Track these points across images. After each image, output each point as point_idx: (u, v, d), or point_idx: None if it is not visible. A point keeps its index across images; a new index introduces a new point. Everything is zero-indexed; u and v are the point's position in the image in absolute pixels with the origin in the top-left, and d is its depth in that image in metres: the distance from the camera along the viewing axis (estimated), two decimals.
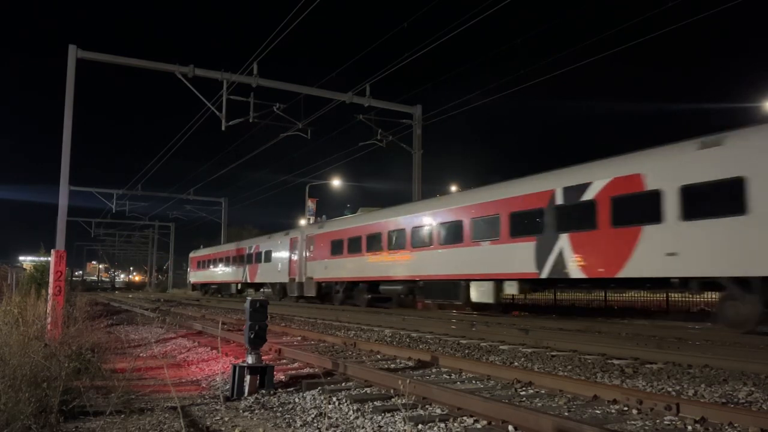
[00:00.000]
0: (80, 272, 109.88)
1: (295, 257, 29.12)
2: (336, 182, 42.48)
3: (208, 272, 46.29)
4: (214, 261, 44.35)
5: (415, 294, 21.22)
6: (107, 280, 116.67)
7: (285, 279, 30.10)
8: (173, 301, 33.62)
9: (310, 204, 41.76)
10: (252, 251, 35.87)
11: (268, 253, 32.95)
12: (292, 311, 20.98)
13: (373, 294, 23.44)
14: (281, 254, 31.00)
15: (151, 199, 52.00)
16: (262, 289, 37.27)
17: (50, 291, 12.21)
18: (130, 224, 71.99)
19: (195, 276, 50.71)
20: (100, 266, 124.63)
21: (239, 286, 39.05)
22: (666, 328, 12.23)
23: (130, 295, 53.33)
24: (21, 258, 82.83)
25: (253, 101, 22.42)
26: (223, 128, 21.74)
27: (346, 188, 45.33)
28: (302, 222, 43.39)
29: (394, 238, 21.56)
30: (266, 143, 32.79)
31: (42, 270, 16.87)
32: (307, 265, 27.77)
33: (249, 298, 7.00)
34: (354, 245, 24.00)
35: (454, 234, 18.63)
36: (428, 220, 19.88)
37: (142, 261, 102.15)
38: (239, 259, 38.14)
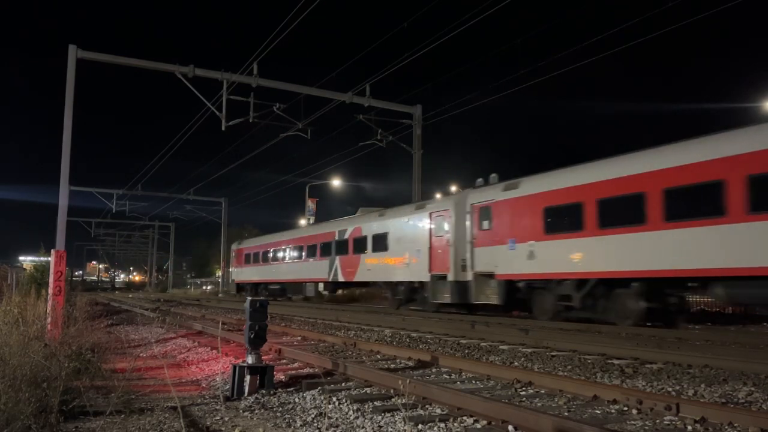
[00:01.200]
0: (80, 272, 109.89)
1: (442, 242, 18.98)
2: (336, 182, 42.54)
3: (265, 268, 35.02)
4: (277, 252, 33.26)
5: None
6: (107, 280, 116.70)
7: (420, 276, 19.97)
8: (173, 301, 33.63)
9: (310, 204, 41.79)
10: (347, 236, 25.27)
11: (381, 238, 22.58)
12: (292, 311, 20.98)
13: (656, 302, 13.06)
14: (410, 238, 20.63)
15: (151, 199, 52.14)
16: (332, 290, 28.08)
17: (50, 291, 12.20)
18: (130, 224, 72.12)
19: (242, 273, 39.35)
20: (100, 266, 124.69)
21: (322, 286, 28.12)
22: (666, 328, 12.22)
23: (130, 295, 53.36)
24: (21, 258, 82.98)
25: (253, 101, 22.44)
26: (223, 128, 21.76)
27: (346, 188, 45.36)
28: (302, 222, 43.30)
29: None
30: (266, 143, 32.79)
31: (42, 270, 16.87)
32: (475, 253, 17.55)
33: (249, 298, 7.01)
34: (616, 212, 13.46)
35: None
36: None
37: (142, 261, 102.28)
38: (323, 249, 27.37)
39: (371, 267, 23.28)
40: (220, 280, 61.09)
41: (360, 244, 24.21)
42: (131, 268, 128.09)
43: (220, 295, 49.65)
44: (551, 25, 47.41)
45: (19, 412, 4.67)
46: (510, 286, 16.27)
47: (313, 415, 5.39)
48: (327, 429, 4.90)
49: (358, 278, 24.42)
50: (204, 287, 75.23)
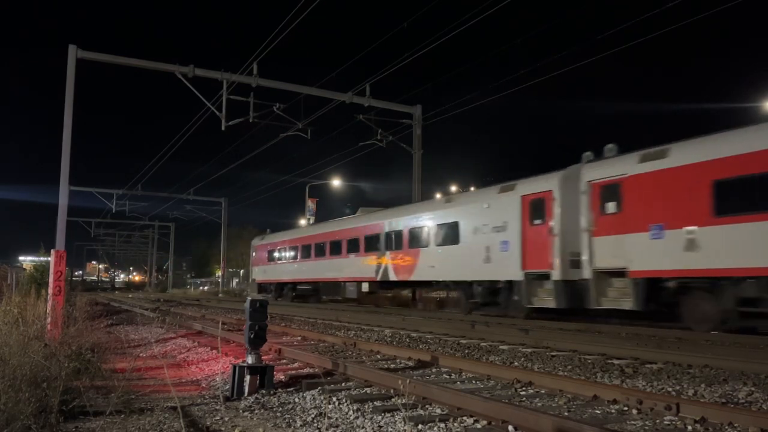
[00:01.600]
0: (80, 272, 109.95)
1: (541, 231, 15.31)
2: (336, 182, 42.60)
3: (294, 266, 30.49)
4: (310, 248, 28.61)
5: None
6: (107, 280, 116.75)
7: (507, 274, 16.22)
8: (173, 301, 33.62)
9: (310, 204, 41.82)
10: (401, 227, 21.28)
11: (450, 228, 18.74)
12: (291, 311, 20.97)
13: None
14: (492, 228, 16.82)
15: (151, 199, 52.29)
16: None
17: (50, 291, 12.20)
18: (130, 224, 72.31)
19: (265, 272, 34.21)
20: (100, 266, 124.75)
21: (367, 286, 23.96)
22: (666, 328, 12.22)
23: (130, 295, 53.37)
24: (21, 258, 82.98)
25: (253, 101, 22.49)
26: (223, 128, 21.80)
27: (346, 188, 45.39)
28: (302, 222, 43.30)
29: None
30: (266, 143, 32.77)
31: (42, 270, 16.88)
32: (595, 244, 13.59)
33: (249, 298, 7.01)
34: None
35: None
36: None
37: (142, 261, 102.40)
38: (369, 243, 23.35)
39: (435, 264, 19.18)
40: (219, 280, 61.17)
41: (419, 237, 20.22)
42: (131, 268, 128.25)
43: (220, 295, 49.69)
44: (551, 25, 47.45)
45: (19, 412, 4.67)
46: (652, 285, 12.43)
47: (313, 415, 5.39)
48: (327, 429, 4.90)
49: (416, 277, 20.30)
50: (202, 287, 75.35)
